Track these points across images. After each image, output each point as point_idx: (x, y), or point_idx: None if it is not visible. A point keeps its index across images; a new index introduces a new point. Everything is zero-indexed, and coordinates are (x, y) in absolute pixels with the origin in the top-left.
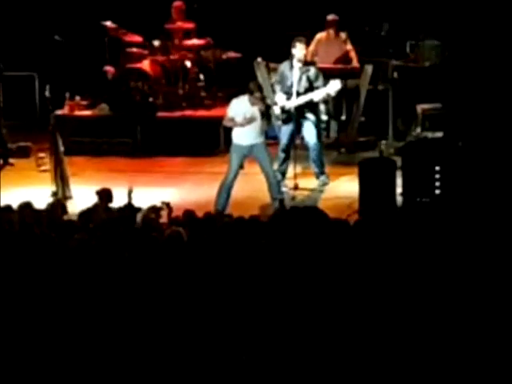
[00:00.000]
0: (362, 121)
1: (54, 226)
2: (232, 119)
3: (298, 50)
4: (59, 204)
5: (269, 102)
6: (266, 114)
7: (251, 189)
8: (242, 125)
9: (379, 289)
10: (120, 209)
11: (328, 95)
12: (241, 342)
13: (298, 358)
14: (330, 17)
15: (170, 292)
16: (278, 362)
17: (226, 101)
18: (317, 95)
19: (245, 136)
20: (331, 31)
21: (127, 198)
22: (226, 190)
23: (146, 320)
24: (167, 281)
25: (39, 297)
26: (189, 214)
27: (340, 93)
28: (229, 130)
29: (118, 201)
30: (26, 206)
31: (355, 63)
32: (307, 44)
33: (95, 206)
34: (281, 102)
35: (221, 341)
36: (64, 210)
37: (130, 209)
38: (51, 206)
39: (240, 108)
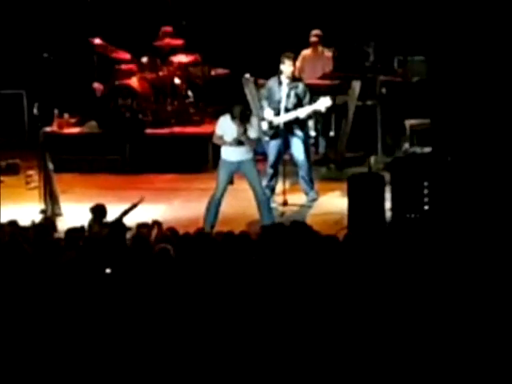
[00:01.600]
0: (351, 136)
1: (43, 243)
2: (221, 137)
3: (287, 67)
4: (48, 221)
5: (256, 118)
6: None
7: (240, 204)
8: (230, 144)
9: (368, 304)
10: (110, 224)
11: (317, 112)
12: (230, 356)
13: (285, 374)
14: (314, 32)
15: (159, 308)
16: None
17: (215, 117)
18: (304, 111)
19: (233, 152)
20: (316, 47)
21: (124, 212)
22: (214, 206)
23: (137, 335)
24: (156, 297)
25: (27, 316)
26: (172, 231)
27: (328, 109)
28: (217, 147)
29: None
30: (12, 224)
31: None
32: (295, 60)
33: (90, 223)
34: (268, 117)
35: (210, 353)
36: (53, 227)
37: (119, 225)
38: (40, 224)
39: (228, 125)
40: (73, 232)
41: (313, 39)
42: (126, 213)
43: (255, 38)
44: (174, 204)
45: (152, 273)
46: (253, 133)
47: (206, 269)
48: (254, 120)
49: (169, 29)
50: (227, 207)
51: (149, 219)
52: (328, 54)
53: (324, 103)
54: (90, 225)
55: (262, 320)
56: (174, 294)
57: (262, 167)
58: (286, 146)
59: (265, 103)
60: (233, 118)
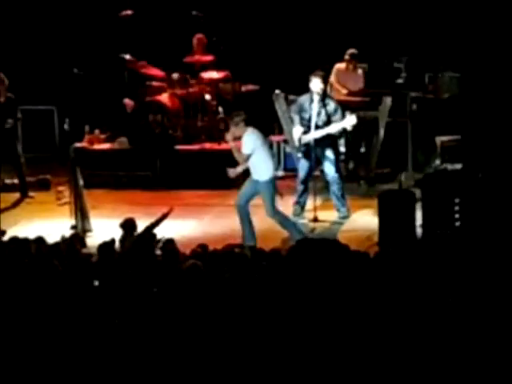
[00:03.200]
0: (381, 153)
1: (73, 259)
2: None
3: (314, 85)
4: (77, 237)
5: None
6: None
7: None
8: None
9: (399, 321)
10: (138, 235)
11: (344, 129)
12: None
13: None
14: (350, 51)
15: (188, 323)
16: None
17: None
18: (333, 129)
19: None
20: (350, 64)
21: (153, 223)
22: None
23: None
24: (185, 312)
25: (59, 329)
26: (202, 247)
27: (359, 125)
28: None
29: None
30: (40, 241)
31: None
32: (325, 78)
33: (121, 239)
34: (299, 134)
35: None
36: (83, 243)
37: (147, 235)
38: (69, 239)
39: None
40: (105, 247)
41: (347, 57)
42: (155, 224)
43: (286, 54)
44: (204, 220)
45: (181, 288)
46: (243, 147)
47: (236, 285)
48: (247, 134)
49: (201, 36)
50: (262, 223)
51: (178, 235)
52: (360, 71)
53: (349, 121)
54: (122, 240)
55: (291, 335)
56: (203, 310)
57: (292, 183)
58: (316, 163)
59: (296, 120)
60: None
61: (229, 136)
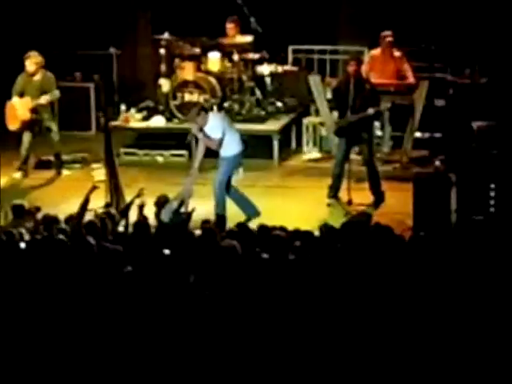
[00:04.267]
0: (417, 136)
1: (107, 236)
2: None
3: (351, 67)
4: (110, 215)
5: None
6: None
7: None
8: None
9: (432, 305)
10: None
11: (380, 112)
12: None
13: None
14: (385, 33)
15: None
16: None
17: (282, 114)
18: (369, 112)
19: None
20: (386, 48)
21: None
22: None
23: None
24: (222, 293)
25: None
26: (242, 226)
27: (395, 109)
28: (284, 144)
29: None
30: (70, 219)
31: (411, 79)
32: (360, 61)
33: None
34: (335, 117)
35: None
36: (116, 221)
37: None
38: (104, 217)
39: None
40: (140, 225)
41: (384, 40)
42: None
43: (322, 37)
44: None
45: (218, 267)
46: (212, 132)
47: (271, 264)
48: (213, 119)
49: (235, 17)
50: (293, 205)
51: (210, 215)
52: (397, 54)
53: (385, 106)
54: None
55: (324, 316)
56: (239, 291)
57: (328, 166)
58: (352, 146)
59: (332, 103)
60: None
61: (195, 129)
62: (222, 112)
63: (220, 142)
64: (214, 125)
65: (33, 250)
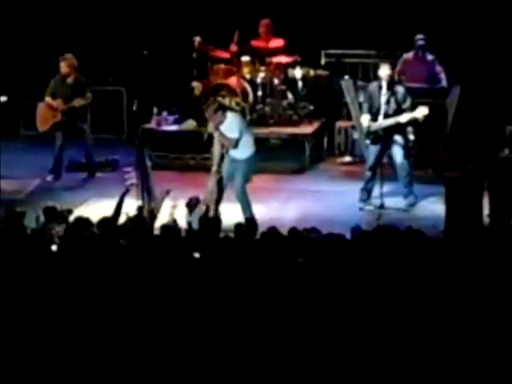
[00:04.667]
0: (450, 140)
1: (138, 239)
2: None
3: (384, 71)
4: (141, 218)
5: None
6: None
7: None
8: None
9: (465, 310)
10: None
11: (415, 119)
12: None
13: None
14: (418, 37)
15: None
16: None
17: (313, 118)
18: (403, 118)
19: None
20: (419, 51)
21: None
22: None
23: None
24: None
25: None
26: (272, 230)
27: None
28: (316, 148)
29: None
30: (105, 221)
31: (443, 83)
32: (392, 64)
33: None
34: (368, 122)
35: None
36: (147, 224)
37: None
38: (134, 220)
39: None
40: (167, 228)
41: (417, 43)
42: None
43: (355, 41)
44: (271, 204)
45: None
46: (229, 131)
47: (302, 268)
48: (231, 119)
49: (267, 20)
50: (324, 208)
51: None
52: (430, 57)
53: (422, 112)
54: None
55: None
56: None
57: (360, 169)
58: (385, 149)
59: (365, 107)
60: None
61: (211, 127)
62: (237, 113)
63: (236, 142)
64: (234, 124)
65: (64, 253)
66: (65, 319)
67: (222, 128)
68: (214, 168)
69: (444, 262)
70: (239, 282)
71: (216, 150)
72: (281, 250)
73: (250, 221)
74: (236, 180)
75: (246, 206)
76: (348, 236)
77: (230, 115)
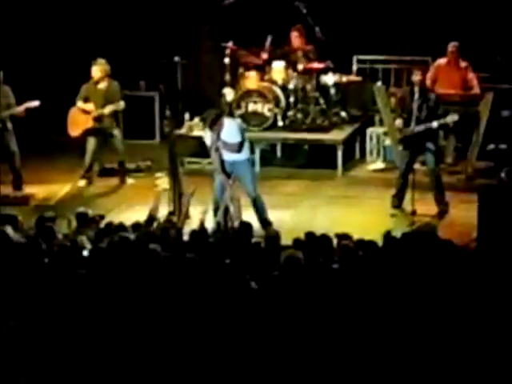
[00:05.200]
0: (482, 148)
1: (169, 244)
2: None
3: (415, 77)
4: (173, 223)
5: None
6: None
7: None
8: (209, 151)
9: (493, 318)
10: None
11: (445, 125)
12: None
13: None
14: (451, 43)
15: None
16: None
17: (345, 124)
18: (434, 124)
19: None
20: (452, 58)
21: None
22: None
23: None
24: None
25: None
26: (310, 235)
27: (460, 120)
28: (348, 154)
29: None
30: (137, 226)
31: (476, 90)
32: (424, 71)
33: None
34: (400, 128)
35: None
36: (178, 229)
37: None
38: (165, 225)
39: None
40: (197, 233)
41: (451, 50)
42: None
43: (387, 47)
44: (302, 209)
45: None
46: (230, 137)
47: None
48: (229, 125)
49: (299, 26)
50: (356, 215)
51: (275, 225)
52: (463, 64)
53: (452, 118)
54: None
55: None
56: (301, 299)
57: (392, 176)
58: (417, 156)
59: (397, 113)
60: (205, 124)
61: (211, 140)
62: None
63: (240, 145)
64: (236, 128)
65: (96, 258)
66: (95, 325)
67: (223, 135)
68: (217, 176)
69: (476, 271)
70: (272, 287)
71: (214, 159)
72: (315, 256)
73: (265, 221)
74: (245, 181)
75: (262, 208)
76: (380, 242)
77: (226, 121)
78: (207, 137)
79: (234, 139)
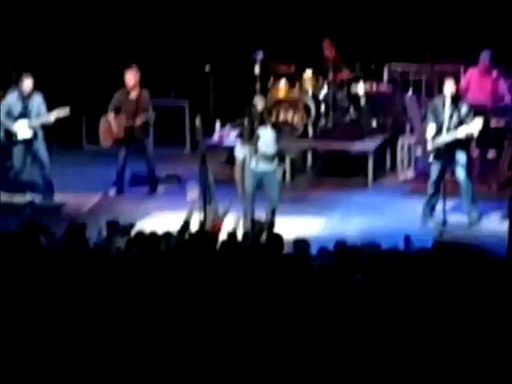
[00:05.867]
0: None
1: (199, 253)
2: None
3: (447, 87)
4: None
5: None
6: None
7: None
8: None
9: None
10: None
11: (471, 135)
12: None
13: None
14: (484, 52)
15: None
16: None
17: (376, 133)
18: (460, 133)
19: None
20: (483, 67)
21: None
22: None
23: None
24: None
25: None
26: (340, 245)
27: (491, 129)
28: (378, 163)
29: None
30: (168, 236)
31: (508, 99)
32: (458, 79)
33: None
34: (431, 137)
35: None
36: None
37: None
38: (195, 235)
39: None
40: (227, 243)
41: (482, 59)
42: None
43: (418, 56)
44: (332, 218)
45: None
46: (267, 148)
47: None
48: (265, 136)
49: (331, 43)
50: (386, 224)
51: (305, 232)
52: (495, 73)
53: (475, 126)
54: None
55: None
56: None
57: (423, 185)
58: (448, 166)
59: (428, 122)
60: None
61: (240, 154)
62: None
63: (276, 155)
64: (269, 140)
65: (125, 266)
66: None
67: (260, 147)
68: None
69: (507, 282)
70: (300, 298)
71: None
72: (345, 267)
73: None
74: (272, 190)
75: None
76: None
77: (262, 132)
78: (239, 150)
79: (272, 149)
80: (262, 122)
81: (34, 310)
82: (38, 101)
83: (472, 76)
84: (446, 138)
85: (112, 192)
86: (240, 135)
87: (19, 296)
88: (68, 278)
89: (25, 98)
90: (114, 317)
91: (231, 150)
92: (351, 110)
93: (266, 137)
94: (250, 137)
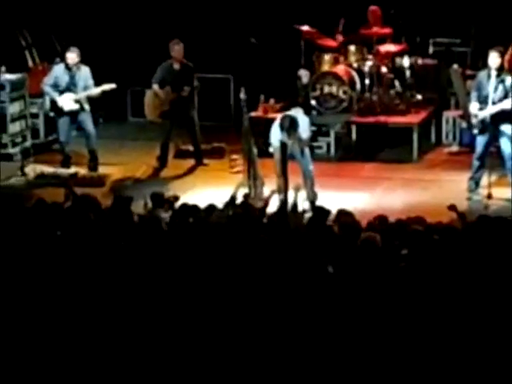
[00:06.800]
0: None
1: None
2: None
3: (492, 59)
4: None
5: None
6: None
7: (445, 196)
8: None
9: None
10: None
11: None
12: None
13: None
14: None
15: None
16: None
17: (421, 107)
18: (507, 104)
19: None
20: None
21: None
22: None
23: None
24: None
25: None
26: (382, 219)
27: None
28: (423, 137)
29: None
30: (211, 208)
31: None
32: (503, 53)
33: None
34: (475, 110)
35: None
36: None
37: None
38: (237, 208)
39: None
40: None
41: None
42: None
43: (463, 29)
44: (377, 193)
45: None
46: (304, 133)
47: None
48: (303, 122)
49: (375, 8)
50: (431, 198)
51: (350, 207)
52: None
53: None
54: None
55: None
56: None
57: (468, 159)
58: (493, 139)
59: (473, 96)
60: (282, 129)
61: (275, 141)
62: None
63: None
64: (306, 125)
65: (170, 239)
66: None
67: (301, 133)
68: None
69: None
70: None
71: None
72: (387, 240)
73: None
74: (303, 156)
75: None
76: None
77: (300, 119)
78: (274, 136)
79: (307, 134)
80: (307, 96)
81: (81, 281)
82: (85, 74)
83: None
84: (491, 110)
85: (157, 165)
86: (281, 126)
87: (68, 268)
88: (115, 250)
89: (71, 71)
90: (158, 289)
91: None
92: (396, 83)
93: (304, 123)
94: (289, 129)
